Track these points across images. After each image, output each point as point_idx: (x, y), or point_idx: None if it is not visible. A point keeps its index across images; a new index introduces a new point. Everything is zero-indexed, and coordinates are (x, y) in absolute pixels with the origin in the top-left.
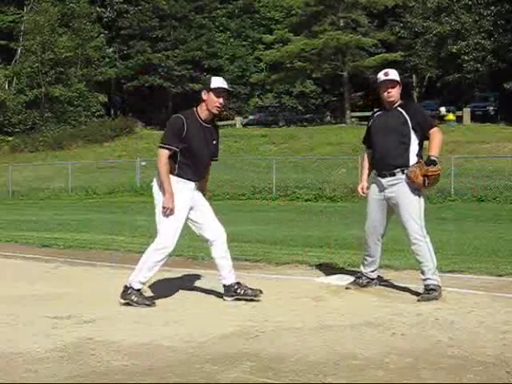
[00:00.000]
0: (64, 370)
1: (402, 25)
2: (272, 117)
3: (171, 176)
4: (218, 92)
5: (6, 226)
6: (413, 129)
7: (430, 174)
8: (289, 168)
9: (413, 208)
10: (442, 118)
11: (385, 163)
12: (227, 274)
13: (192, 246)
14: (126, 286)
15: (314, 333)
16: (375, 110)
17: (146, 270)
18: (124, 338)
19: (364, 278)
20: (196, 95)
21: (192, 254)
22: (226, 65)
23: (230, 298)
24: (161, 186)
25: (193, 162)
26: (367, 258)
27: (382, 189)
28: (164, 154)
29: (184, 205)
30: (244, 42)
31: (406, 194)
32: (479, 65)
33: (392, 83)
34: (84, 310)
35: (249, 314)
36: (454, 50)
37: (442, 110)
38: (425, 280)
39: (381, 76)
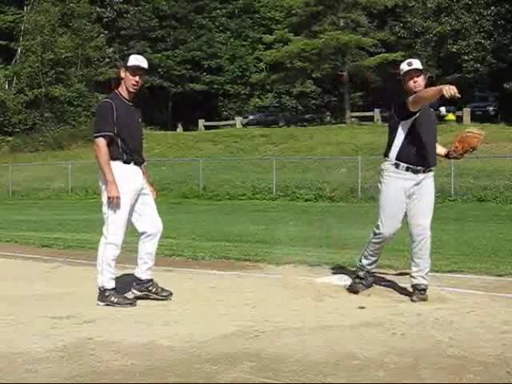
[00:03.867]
0: (64, 370)
1: (402, 25)
2: (272, 117)
3: (119, 163)
4: (133, 70)
5: (6, 226)
6: None
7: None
8: (289, 168)
9: (432, 205)
10: (441, 118)
11: (429, 160)
12: (146, 270)
13: (192, 245)
14: (100, 289)
15: (314, 333)
16: None
17: (107, 266)
18: (124, 338)
19: (363, 271)
20: (196, 95)
21: (192, 254)
22: (226, 65)
23: (139, 293)
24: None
25: (130, 143)
26: (374, 256)
27: (408, 185)
28: (101, 142)
29: (134, 194)
30: (244, 42)
31: (430, 191)
32: (479, 65)
33: (417, 72)
34: (84, 310)
35: (249, 314)
36: (453, 50)
37: (442, 109)
38: (417, 278)
39: (404, 66)
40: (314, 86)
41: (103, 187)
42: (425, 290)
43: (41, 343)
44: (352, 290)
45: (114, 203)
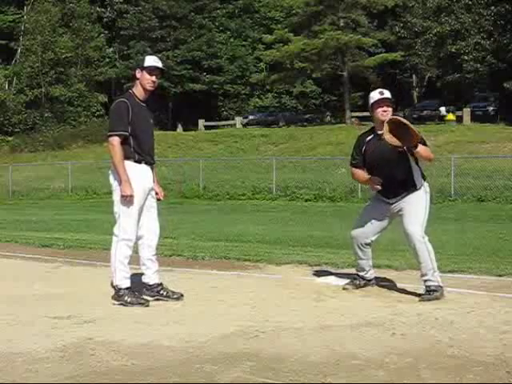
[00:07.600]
0: (64, 370)
1: (401, 25)
2: (272, 117)
3: (130, 163)
4: (150, 70)
5: (6, 226)
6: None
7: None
8: (289, 168)
9: (419, 216)
10: (441, 118)
11: (392, 191)
12: (152, 274)
13: (192, 245)
14: (114, 289)
15: (314, 333)
16: (363, 133)
17: (120, 265)
18: (124, 338)
19: (360, 279)
20: (196, 95)
21: (192, 254)
22: (226, 65)
23: (150, 298)
24: (116, 174)
25: (142, 144)
26: (358, 262)
27: (387, 206)
28: (115, 141)
29: (144, 193)
30: (244, 42)
31: (413, 204)
32: (479, 65)
33: (388, 102)
34: (84, 310)
35: (249, 314)
36: (453, 50)
37: (442, 110)
38: (425, 281)
39: (375, 95)
40: (314, 86)
41: (115, 186)
42: (435, 290)
43: (41, 343)
44: (343, 288)
45: (127, 201)
